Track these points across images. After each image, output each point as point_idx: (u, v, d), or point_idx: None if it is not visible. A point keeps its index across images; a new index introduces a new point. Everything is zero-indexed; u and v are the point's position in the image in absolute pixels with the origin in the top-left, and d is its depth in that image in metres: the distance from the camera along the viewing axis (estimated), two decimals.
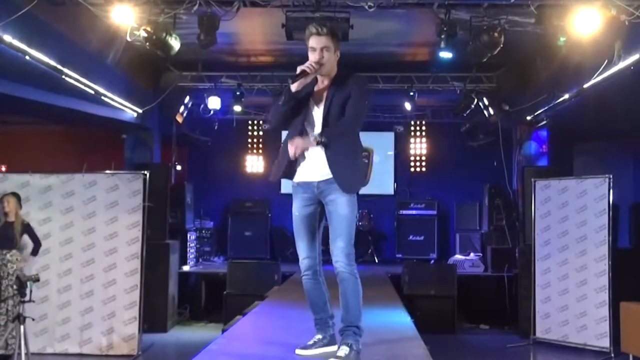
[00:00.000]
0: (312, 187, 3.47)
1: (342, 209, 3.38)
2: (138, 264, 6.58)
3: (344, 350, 3.31)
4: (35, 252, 6.13)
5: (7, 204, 6.08)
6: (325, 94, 3.49)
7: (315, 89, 3.53)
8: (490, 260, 9.64)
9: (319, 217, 3.55)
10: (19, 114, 10.15)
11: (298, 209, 3.54)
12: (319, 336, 3.63)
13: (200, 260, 10.81)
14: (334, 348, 3.54)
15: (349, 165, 3.44)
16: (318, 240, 3.57)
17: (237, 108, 10.17)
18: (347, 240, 3.37)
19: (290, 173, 3.53)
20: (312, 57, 3.45)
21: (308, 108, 3.50)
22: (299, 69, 3.39)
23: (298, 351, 3.58)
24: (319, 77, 3.53)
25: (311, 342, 3.62)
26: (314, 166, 3.45)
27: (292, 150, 3.36)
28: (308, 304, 3.64)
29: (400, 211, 11.34)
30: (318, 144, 3.36)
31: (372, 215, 11.28)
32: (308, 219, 3.52)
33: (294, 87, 3.39)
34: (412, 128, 12.36)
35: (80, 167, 6.82)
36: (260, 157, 12.59)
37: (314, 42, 3.46)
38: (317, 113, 3.48)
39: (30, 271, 5.79)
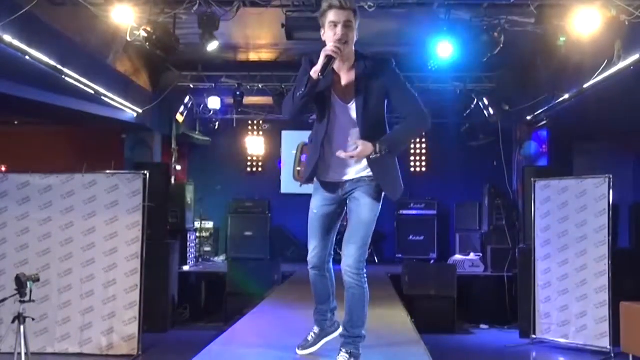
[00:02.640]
0: (336, 188, 3.29)
1: (363, 211, 3.21)
2: (138, 264, 6.57)
3: (344, 358, 3.25)
4: None
5: None
6: (353, 88, 3.13)
7: (340, 80, 3.17)
8: (490, 260, 9.64)
9: (337, 217, 3.39)
10: (19, 114, 10.15)
11: (317, 207, 3.35)
12: (316, 330, 3.61)
13: (200, 260, 10.81)
14: (333, 336, 3.55)
15: (391, 168, 3.26)
16: (332, 240, 3.42)
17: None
18: (361, 246, 3.19)
19: (317, 174, 3.32)
20: (332, 33, 3.04)
21: (333, 103, 3.15)
22: (323, 55, 2.98)
23: (299, 351, 3.58)
24: (337, 65, 3.14)
25: (310, 338, 3.60)
26: (344, 166, 3.24)
27: (353, 154, 3.03)
28: (312, 293, 3.58)
29: (400, 211, 11.33)
30: (376, 154, 3.03)
31: None
32: (325, 219, 3.35)
33: (316, 75, 2.98)
34: None
35: (80, 167, 6.81)
36: (261, 157, 12.59)
37: (335, 15, 3.03)
38: (350, 108, 3.14)
39: (31, 271, 5.79)
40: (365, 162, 3.18)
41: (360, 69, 3.13)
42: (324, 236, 3.38)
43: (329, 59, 2.98)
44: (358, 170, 3.24)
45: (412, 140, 12.30)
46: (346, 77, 3.18)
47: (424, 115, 3.22)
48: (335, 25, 3.04)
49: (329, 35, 3.06)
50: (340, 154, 3.08)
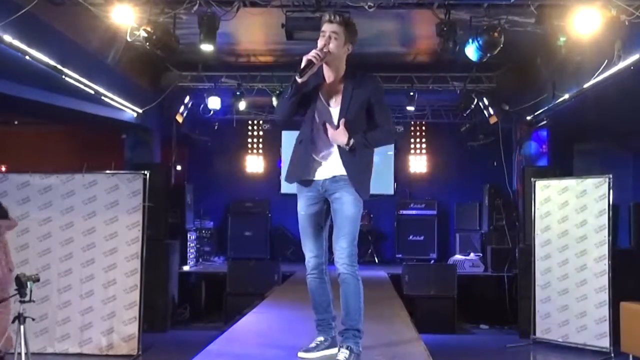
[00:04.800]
0: (317, 186, 3.45)
1: (347, 208, 3.35)
2: (138, 264, 6.57)
3: (343, 354, 3.29)
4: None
5: None
6: (340, 92, 3.41)
7: (327, 86, 3.45)
8: (490, 260, 9.64)
9: (325, 214, 3.51)
10: (19, 114, 10.16)
11: (303, 208, 3.50)
12: (321, 338, 3.59)
13: (200, 260, 10.80)
14: (335, 350, 3.52)
15: (364, 169, 3.44)
16: (325, 238, 3.53)
17: (242, 105, 10.08)
18: (351, 240, 3.34)
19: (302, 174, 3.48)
20: (319, 42, 3.36)
21: (318, 106, 3.42)
22: (304, 60, 3.29)
23: (300, 354, 3.56)
24: (326, 72, 3.44)
25: (313, 344, 3.58)
26: (320, 165, 3.43)
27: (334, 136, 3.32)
28: (311, 303, 3.61)
29: (400, 211, 11.35)
30: (347, 144, 3.33)
31: (372, 215, 11.28)
32: (314, 218, 3.48)
33: (300, 78, 3.30)
34: (412, 128, 12.38)
35: (80, 167, 6.81)
36: (260, 157, 12.59)
37: (324, 26, 3.38)
38: (332, 112, 3.41)
39: (31, 271, 5.78)
40: (341, 161, 3.39)
41: (349, 78, 3.43)
42: (317, 235, 3.50)
43: (309, 63, 3.28)
44: (335, 168, 3.41)
45: (412, 141, 12.39)
46: (334, 83, 3.45)
47: (392, 132, 3.62)
48: (323, 35, 3.36)
49: (318, 44, 3.38)
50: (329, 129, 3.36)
